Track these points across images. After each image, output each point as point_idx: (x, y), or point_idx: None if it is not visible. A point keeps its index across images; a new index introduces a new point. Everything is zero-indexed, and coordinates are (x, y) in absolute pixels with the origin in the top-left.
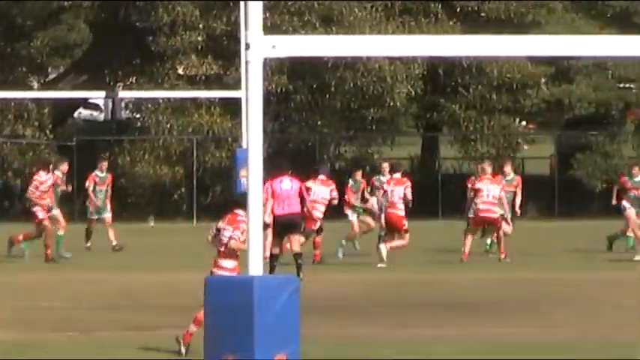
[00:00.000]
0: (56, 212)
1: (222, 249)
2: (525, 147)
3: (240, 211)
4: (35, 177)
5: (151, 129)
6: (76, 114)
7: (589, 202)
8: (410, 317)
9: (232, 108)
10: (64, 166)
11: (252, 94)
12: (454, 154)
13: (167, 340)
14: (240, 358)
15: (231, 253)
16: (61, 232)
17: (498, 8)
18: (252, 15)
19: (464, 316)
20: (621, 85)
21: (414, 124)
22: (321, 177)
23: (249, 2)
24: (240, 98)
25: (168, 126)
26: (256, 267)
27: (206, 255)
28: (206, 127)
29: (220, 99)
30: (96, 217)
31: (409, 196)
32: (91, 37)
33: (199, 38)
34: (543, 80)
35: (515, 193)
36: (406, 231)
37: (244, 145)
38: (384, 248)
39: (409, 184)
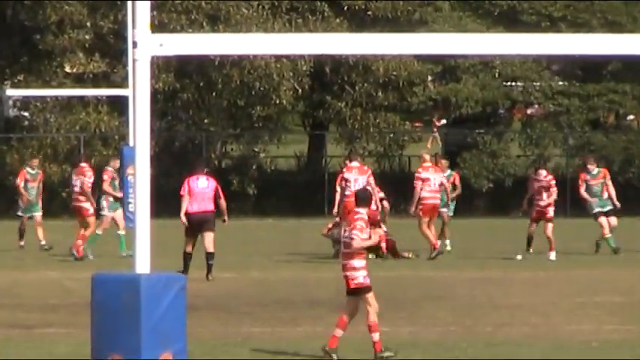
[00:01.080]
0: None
1: (348, 250)
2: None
3: (360, 209)
4: (87, 173)
5: (39, 127)
6: None
7: (475, 201)
8: (298, 315)
9: (119, 106)
10: (116, 163)
11: (139, 92)
12: (341, 152)
13: (49, 339)
14: (126, 357)
15: (359, 252)
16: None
17: (385, 7)
18: (140, 13)
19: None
20: (507, 84)
21: (300, 121)
22: (355, 163)
23: (137, 1)
24: (127, 96)
25: (56, 124)
26: (143, 265)
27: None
28: (93, 125)
29: (108, 97)
30: (27, 214)
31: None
32: None
33: (87, 37)
34: (430, 78)
35: (604, 185)
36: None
37: (131, 143)
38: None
39: (370, 172)
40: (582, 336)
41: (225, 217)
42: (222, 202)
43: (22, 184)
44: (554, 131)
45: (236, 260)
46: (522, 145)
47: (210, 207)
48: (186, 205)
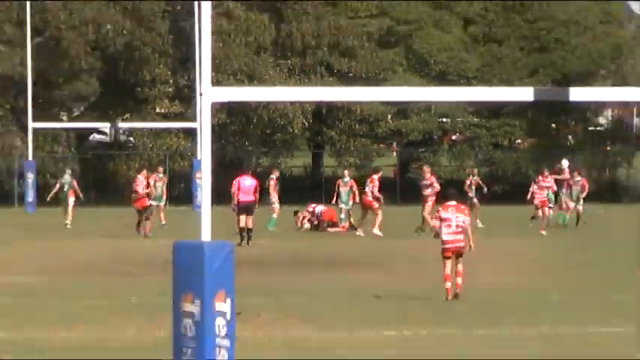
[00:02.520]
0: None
1: (459, 230)
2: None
3: (452, 202)
4: (137, 178)
5: (139, 147)
6: (91, 137)
7: (418, 195)
8: (301, 269)
9: (191, 134)
10: (160, 169)
11: (204, 125)
12: (332, 164)
13: (148, 282)
14: (195, 294)
15: (464, 231)
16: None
17: (361, 69)
18: (204, 74)
19: (332, 268)
20: (440, 119)
21: (307, 143)
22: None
23: (203, 65)
24: (196, 128)
25: (150, 145)
26: (206, 235)
27: (172, 228)
28: (175, 146)
29: (183, 128)
30: (155, 203)
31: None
32: (100, 89)
33: (170, 89)
34: (389, 116)
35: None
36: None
37: (199, 157)
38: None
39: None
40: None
41: (257, 205)
42: (256, 196)
43: (152, 183)
44: (469, 150)
45: (266, 233)
46: (448, 159)
47: (251, 198)
48: (237, 197)
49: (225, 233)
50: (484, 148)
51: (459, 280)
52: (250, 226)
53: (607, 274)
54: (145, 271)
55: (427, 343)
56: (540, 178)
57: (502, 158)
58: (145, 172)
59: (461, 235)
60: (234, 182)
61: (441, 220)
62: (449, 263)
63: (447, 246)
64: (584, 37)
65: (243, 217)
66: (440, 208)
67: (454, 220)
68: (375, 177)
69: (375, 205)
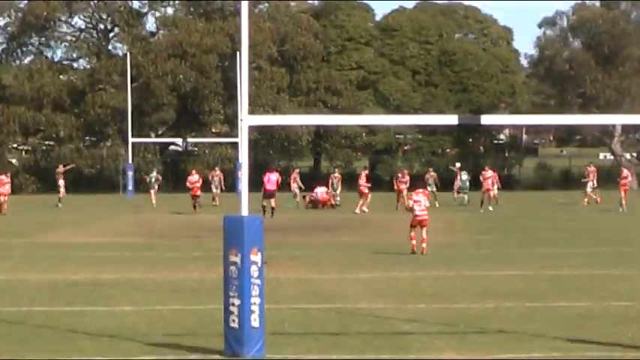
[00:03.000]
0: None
1: (425, 208)
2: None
3: (420, 189)
4: (192, 174)
5: (201, 154)
6: (170, 148)
7: (382, 188)
8: (306, 232)
9: (235, 146)
10: (217, 168)
11: (243, 141)
12: (327, 165)
13: (204, 243)
14: (237, 249)
15: (425, 209)
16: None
17: (345, 103)
18: (244, 106)
19: (326, 232)
20: (397, 136)
21: (310, 152)
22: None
23: (242, 101)
24: (238, 142)
25: (209, 153)
26: (244, 211)
27: (222, 208)
28: (224, 154)
29: (230, 142)
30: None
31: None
32: (175, 116)
33: (221, 117)
34: (364, 134)
35: None
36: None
37: (240, 161)
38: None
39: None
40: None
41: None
42: (277, 186)
43: (211, 177)
44: (416, 156)
45: (284, 210)
46: (402, 162)
47: (274, 187)
48: (264, 186)
49: (257, 211)
50: (426, 154)
51: (424, 245)
52: (273, 205)
53: (502, 236)
54: (206, 234)
55: (391, 282)
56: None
57: (437, 161)
58: (194, 171)
59: (425, 211)
60: (264, 176)
61: (414, 201)
62: (416, 230)
63: (418, 218)
64: (491, 81)
65: (267, 201)
66: (412, 193)
67: (423, 202)
68: (363, 173)
69: (365, 190)
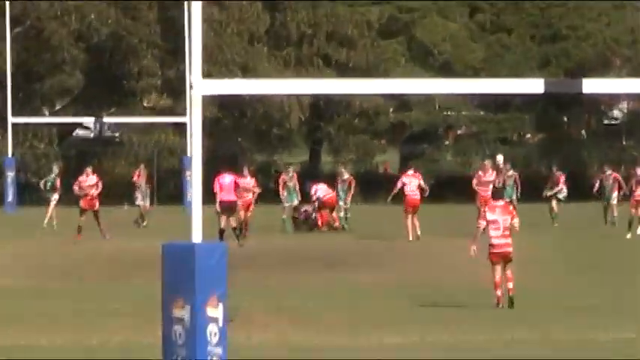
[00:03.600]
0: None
1: (507, 232)
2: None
3: (499, 202)
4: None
5: (125, 143)
6: (74, 133)
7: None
8: (299, 267)
9: (181, 129)
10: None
11: (194, 119)
12: (330, 160)
13: (138, 286)
14: (186, 299)
15: (511, 233)
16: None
17: (361, 61)
18: (195, 65)
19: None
20: (445, 113)
21: (304, 139)
22: (410, 171)
23: (193, 56)
24: (186, 122)
25: (137, 141)
26: (197, 236)
27: (161, 229)
28: (163, 142)
29: (173, 123)
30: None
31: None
32: (84, 82)
33: (158, 82)
34: (391, 109)
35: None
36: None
37: (189, 154)
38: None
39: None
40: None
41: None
42: (237, 194)
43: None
44: (476, 145)
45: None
46: (453, 154)
47: (233, 197)
48: (218, 196)
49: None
50: (491, 143)
51: (511, 285)
52: (234, 225)
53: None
54: (133, 274)
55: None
56: (481, 173)
57: (510, 154)
58: (89, 170)
59: (509, 239)
60: (215, 181)
61: (489, 222)
62: (498, 268)
63: (495, 250)
64: (597, 23)
65: (224, 218)
66: (486, 209)
67: (501, 222)
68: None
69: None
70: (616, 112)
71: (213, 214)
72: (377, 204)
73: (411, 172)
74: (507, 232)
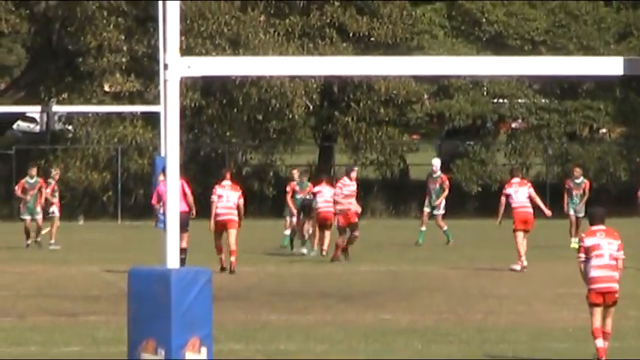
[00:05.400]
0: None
1: (613, 263)
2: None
3: (601, 225)
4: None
5: (81, 139)
6: (14, 126)
7: (465, 204)
8: (310, 304)
9: (152, 120)
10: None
11: (169, 108)
12: (347, 161)
13: (92, 326)
14: (159, 341)
15: (615, 266)
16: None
17: (386, 33)
18: (170, 39)
19: (347, 304)
20: (495, 101)
21: (312, 134)
22: (516, 179)
23: (168, 27)
24: (159, 112)
25: (97, 137)
26: (173, 260)
27: (127, 250)
28: (129, 138)
29: (142, 113)
30: (28, 217)
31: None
32: (27, 59)
33: (123, 59)
34: (426, 96)
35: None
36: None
37: (163, 154)
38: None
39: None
40: (561, 323)
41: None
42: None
43: (19, 192)
44: (536, 142)
45: (255, 256)
46: (507, 154)
47: (184, 207)
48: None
49: (202, 256)
50: (556, 139)
51: (604, 345)
52: (184, 246)
53: None
54: (88, 310)
55: None
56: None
57: (581, 153)
58: (33, 170)
59: (616, 272)
60: (157, 187)
61: (587, 249)
62: (599, 312)
63: (596, 285)
64: None
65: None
66: (583, 234)
67: (606, 249)
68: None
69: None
70: None
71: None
72: (407, 217)
73: (516, 180)
74: (614, 263)
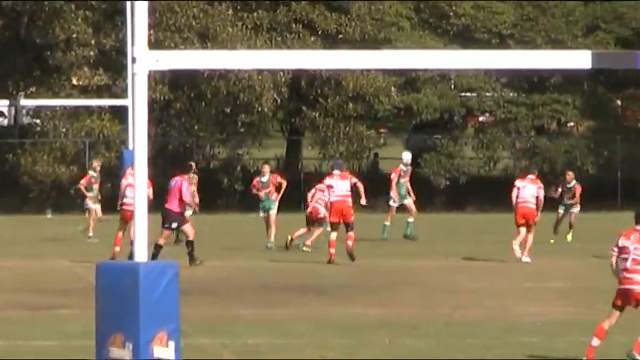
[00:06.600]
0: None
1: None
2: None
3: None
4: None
5: (49, 133)
6: None
7: (434, 197)
8: (279, 299)
9: (120, 114)
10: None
11: (137, 102)
12: (315, 155)
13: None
14: (127, 336)
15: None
16: None
17: (354, 30)
18: (138, 32)
19: (319, 298)
20: (463, 94)
21: (279, 128)
22: (337, 172)
23: (136, 20)
24: (127, 106)
25: (64, 130)
26: (141, 254)
27: (95, 243)
28: (97, 131)
29: (110, 106)
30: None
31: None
32: None
33: (91, 53)
34: (394, 89)
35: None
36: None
37: (131, 147)
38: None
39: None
40: (531, 317)
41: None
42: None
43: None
44: (503, 136)
45: (224, 250)
46: (475, 148)
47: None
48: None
49: (170, 250)
50: (524, 133)
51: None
52: (162, 242)
53: None
54: (58, 303)
55: None
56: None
57: (548, 147)
58: None
59: (636, 275)
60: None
61: (619, 249)
62: (616, 314)
63: (623, 286)
64: None
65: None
66: (623, 233)
67: (632, 251)
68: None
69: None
70: None
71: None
72: (376, 211)
73: (531, 176)
74: (638, 267)
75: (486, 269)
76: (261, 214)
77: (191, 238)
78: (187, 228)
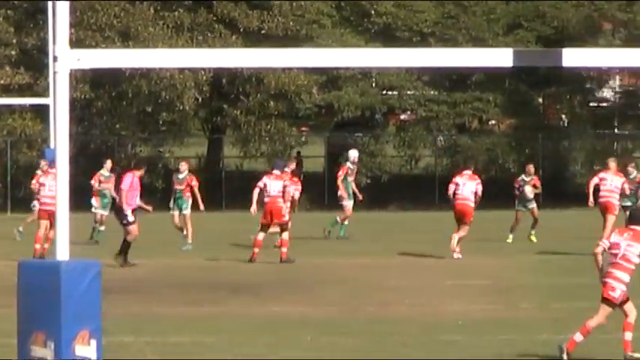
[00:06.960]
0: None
1: (625, 265)
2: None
3: (636, 225)
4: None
5: None
6: None
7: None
8: (201, 297)
9: (42, 113)
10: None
11: (59, 101)
12: (236, 154)
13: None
14: (49, 334)
15: (627, 268)
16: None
17: (277, 26)
18: (59, 31)
19: (242, 296)
20: (384, 92)
21: (201, 126)
22: (276, 172)
23: (57, 19)
24: (49, 105)
25: None
26: (63, 252)
27: (18, 243)
28: (19, 130)
29: (31, 105)
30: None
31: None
32: None
33: (13, 52)
34: (315, 87)
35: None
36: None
37: (52, 146)
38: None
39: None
40: (453, 315)
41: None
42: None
43: (96, 185)
44: (425, 134)
45: (144, 249)
46: (396, 146)
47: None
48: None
49: (92, 249)
50: (445, 131)
51: (628, 336)
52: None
53: None
54: None
55: None
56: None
57: (470, 145)
58: None
59: (627, 275)
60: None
61: (611, 244)
62: (603, 310)
63: (606, 280)
64: None
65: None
66: (617, 230)
67: (622, 250)
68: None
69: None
70: (606, 92)
71: (84, 222)
72: (301, 209)
73: (468, 172)
74: (623, 263)
75: (409, 267)
76: (174, 213)
77: (130, 239)
78: (132, 228)
